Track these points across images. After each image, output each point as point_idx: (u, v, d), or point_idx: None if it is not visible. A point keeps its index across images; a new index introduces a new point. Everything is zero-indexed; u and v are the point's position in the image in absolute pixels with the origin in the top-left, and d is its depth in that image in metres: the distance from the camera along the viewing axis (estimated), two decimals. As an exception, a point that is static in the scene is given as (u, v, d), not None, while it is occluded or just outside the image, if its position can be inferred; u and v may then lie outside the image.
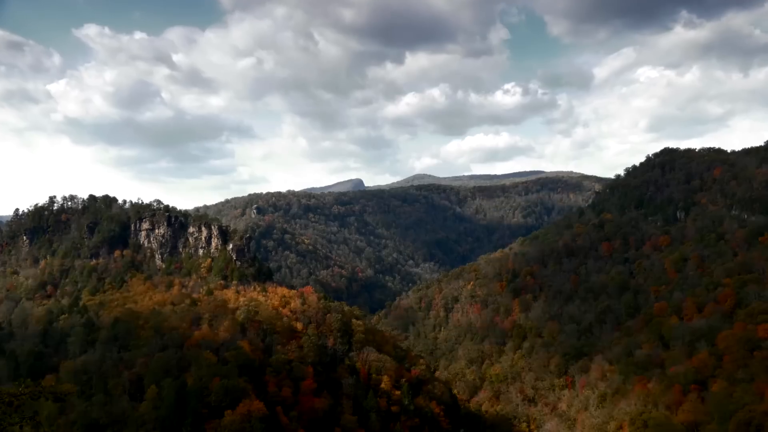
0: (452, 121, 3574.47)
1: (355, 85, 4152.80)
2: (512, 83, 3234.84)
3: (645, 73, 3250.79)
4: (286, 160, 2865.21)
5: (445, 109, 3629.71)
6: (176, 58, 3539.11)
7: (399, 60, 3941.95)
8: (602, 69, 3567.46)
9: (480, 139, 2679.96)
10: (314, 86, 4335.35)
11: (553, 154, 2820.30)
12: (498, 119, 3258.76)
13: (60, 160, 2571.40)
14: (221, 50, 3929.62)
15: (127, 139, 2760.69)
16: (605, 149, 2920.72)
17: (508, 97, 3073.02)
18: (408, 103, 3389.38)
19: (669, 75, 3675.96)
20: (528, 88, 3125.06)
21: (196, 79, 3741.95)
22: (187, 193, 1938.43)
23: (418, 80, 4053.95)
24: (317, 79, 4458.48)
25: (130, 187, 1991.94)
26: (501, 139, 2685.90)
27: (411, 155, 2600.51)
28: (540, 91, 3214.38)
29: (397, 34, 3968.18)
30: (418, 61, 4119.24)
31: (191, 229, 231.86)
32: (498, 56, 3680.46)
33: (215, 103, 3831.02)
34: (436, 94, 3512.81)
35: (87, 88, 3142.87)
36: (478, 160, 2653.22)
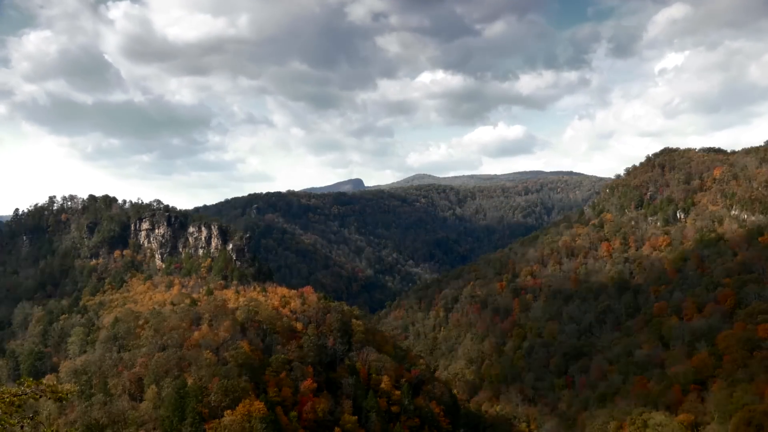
0: (465, 107, 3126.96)
1: (351, 58, 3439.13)
2: (537, 58, 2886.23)
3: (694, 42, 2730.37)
4: (279, 154, 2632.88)
5: (457, 93, 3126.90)
6: (120, 22, 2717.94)
7: (405, 24, 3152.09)
8: (653, 26, 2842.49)
9: (490, 132, 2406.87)
10: (302, 60, 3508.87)
11: (573, 145, 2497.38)
12: (522, 101, 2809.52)
13: (20, 154, 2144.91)
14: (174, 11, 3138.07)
15: (92, 127, 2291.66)
16: (638, 137, 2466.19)
17: (533, 75, 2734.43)
18: (414, 86, 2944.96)
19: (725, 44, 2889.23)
20: (556, 55, 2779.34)
21: (153, 53, 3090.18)
22: (175, 191, 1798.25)
23: (424, 56, 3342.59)
24: (304, 49, 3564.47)
25: (108, 185, 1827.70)
26: (513, 131, 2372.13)
27: (416, 148, 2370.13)
28: (571, 50, 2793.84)
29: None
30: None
31: (191, 229, 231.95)
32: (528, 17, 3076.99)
33: (189, 84, 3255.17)
34: (448, 74, 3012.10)
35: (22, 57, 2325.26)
36: (488, 154, 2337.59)
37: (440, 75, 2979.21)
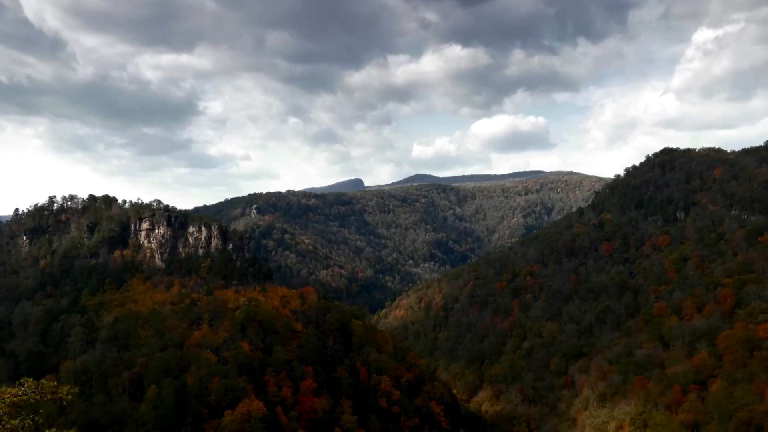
0: (476, 92, 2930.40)
1: (347, 26, 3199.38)
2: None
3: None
4: (273, 146, 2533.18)
5: (468, 74, 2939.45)
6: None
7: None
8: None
9: (497, 124, 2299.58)
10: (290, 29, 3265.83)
11: (588, 138, 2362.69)
12: (535, 84, 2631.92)
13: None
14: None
15: (57, 113, 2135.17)
16: (661, 128, 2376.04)
17: (558, 50, 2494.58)
18: (419, 66, 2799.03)
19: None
20: (591, 17, 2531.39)
21: (102, 16, 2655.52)
22: (165, 188, 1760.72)
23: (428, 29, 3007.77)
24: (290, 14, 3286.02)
25: (90, 182, 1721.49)
26: (527, 122, 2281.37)
27: (421, 141, 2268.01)
28: (607, 12, 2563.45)
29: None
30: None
31: (191, 229, 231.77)
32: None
33: (165, 63, 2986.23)
34: (460, 48, 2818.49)
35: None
36: (496, 149, 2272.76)
37: (447, 50, 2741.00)
